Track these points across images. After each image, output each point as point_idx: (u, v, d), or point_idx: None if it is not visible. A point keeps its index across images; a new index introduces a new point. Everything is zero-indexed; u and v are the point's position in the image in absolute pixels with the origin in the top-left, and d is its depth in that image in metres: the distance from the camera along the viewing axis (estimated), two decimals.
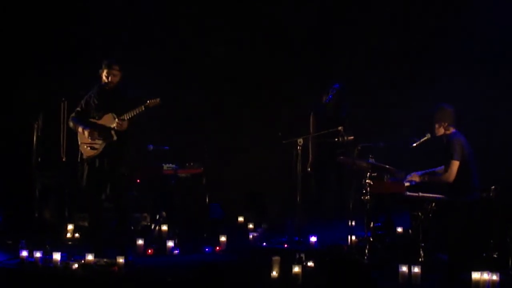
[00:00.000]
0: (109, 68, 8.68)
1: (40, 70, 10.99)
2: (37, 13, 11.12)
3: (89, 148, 8.67)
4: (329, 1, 11.02)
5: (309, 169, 9.91)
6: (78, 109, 8.83)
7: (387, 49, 10.76)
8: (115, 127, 8.54)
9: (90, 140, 8.65)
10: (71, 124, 8.81)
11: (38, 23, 11.11)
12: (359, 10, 10.93)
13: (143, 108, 8.50)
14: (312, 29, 11.18)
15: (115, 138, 8.59)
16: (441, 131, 8.60)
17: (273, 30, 11.28)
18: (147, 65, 10.99)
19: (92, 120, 8.74)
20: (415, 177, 8.58)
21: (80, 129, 8.70)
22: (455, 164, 8.38)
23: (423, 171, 8.70)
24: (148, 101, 8.51)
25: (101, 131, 8.63)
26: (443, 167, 8.59)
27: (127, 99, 8.68)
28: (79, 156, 8.78)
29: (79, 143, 8.77)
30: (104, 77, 8.70)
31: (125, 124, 8.53)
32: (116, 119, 8.53)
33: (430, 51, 10.63)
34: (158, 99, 8.53)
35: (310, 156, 9.96)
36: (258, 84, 11.35)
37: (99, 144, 8.64)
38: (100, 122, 8.69)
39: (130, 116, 8.52)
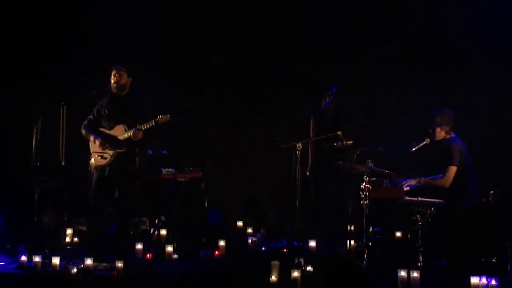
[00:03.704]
0: (116, 68, 8.77)
1: (39, 74, 10.99)
2: (37, 17, 11.13)
3: (100, 157, 8.79)
4: (329, 7, 11.02)
5: (308, 173, 9.91)
6: (91, 117, 8.93)
7: (386, 54, 10.77)
8: (131, 136, 8.60)
9: (100, 149, 8.73)
10: (83, 131, 8.90)
11: (38, 27, 11.12)
12: (359, 15, 10.93)
13: (154, 123, 8.57)
14: (311, 34, 11.19)
15: (125, 149, 8.69)
16: (442, 134, 8.65)
17: (272, 35, 11.28)
18: (147, 70, 10.99)
19: (102, 129, 8.83)
20: (412, 182, 8.60)
21: (92, 138, 8.81)
22: (453, 170, 8.43)
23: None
24: (158, 117, 8.57)
25: (112, 142, 8.72)
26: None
27: (138, 109, 8.75)
28: (90, 163, 8.92)
29: (91, 152, 8.89)
30: (111, 79, 8.77)
31: (140, 134, 8.60)
32: (132, 130, 8.58)
33: (429, 55, 10.63)
34: (168, 116, 8.60)
35: (309, 161, 9.96)
36: (257, 89, 11.35)
37: (109, 154, 8.73)
38: (111, 132, 8.77)
39: (143, 128, 8.59)
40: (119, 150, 8.68)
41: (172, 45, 11.32)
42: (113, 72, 8.77)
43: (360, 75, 10.82)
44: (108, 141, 8.73)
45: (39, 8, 11.12)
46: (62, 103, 8.91)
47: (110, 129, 8.79)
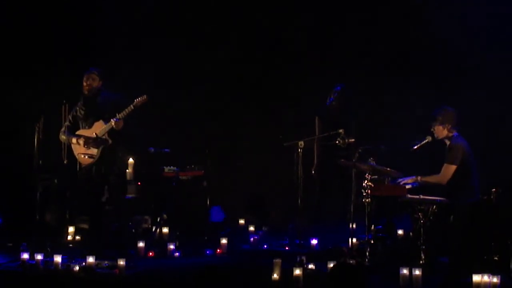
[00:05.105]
0: (88, 72, 9.02)
1: (41, 72, 11.00)
2: (38, 15, 11.14)
3: (86, 157, 8.95)
4: (332, 4, 11.01)
5: (313, 172, 9.91)
6: (67, 123, 9.11)
7: (388, 51, 10.76)
8: (113, 127, 8.76)
9: (85, 149, 8.84)
10: (63, 137, 9.06)
11: (39, 25, 11.12)
12: (362, 13, 10.92)
13: (133, 108, 8.79)
14: (314, 31, 11.18)
15: (110, 142, 8.88)
16: (444, 133, 8.61)
17: (275, 32, 11.27)
18: (148, 67, 11.00)
19: (82, 130, 9.02)
20: (409, 180, 8.59)
21: (74, 140, 8.98)
22: (450, 168, 8.41)
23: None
24: (135, 100, 8.79)
25: (95, 139, 8.89)
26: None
27: (111, 104, 8.94)
28: (78, 165, 9.04)
29: (76, 154, 9.02)
30: (84, 83, 9.00)
31: (121, 123, 8.79)
32: (112, 120, 8.75)
33: (431, 53, 10.62)
34: (145, 96, 8.83)
35: (315, 159, 9.95)
36: (260, 87, 11.34)
37: (95, 152, 8.90)
38: (91, 130, 8.96)
39: (123, 116, 8.78)
40: (105, 144, 8.84)
41: (172, 44, 11.31)
42: (86, 76, 9.01)
43: (362, 74, 10.80)
44: (92, 139, 8.87)
45: (41, 8, 11.13)
46: (64, 101, 8.98)
47: (89, 127, 8.99)
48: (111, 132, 8.86)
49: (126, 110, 8.78)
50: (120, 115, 8.78)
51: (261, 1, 11.25)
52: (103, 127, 8.87)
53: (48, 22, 11.15)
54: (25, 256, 8.33)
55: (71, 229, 9.85)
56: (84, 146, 8.92)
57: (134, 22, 11.27)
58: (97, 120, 8.94)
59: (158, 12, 11.36)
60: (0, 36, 11.06)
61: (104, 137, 8.89)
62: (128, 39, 11.29)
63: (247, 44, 11.36)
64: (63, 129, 9.05)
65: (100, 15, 11.21)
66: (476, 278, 7.31)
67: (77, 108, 9.09)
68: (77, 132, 9.03)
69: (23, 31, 11.14)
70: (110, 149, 8.92)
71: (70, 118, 9.10)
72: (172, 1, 11.45)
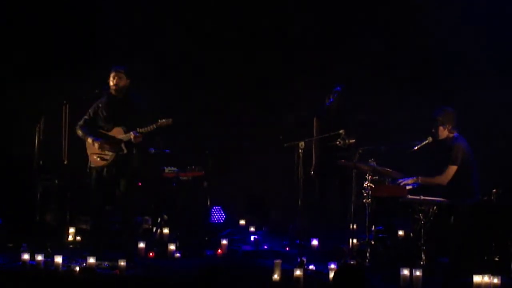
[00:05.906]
0: (115, 71, 8.79)
1: (41, 72, 10.99)
2: (39, 16, 11.13)
3: (99, 158, 8.82)
4: (332, 4, 11.01)
5: (312, 172, 9.91)
6: (86, 117, 8.94)
7: (389, 52, 10.76)
8: (132, 140, 8.64)
9: (100, 151, 8.75)
10: (80, 133, 8.90)
11: (40, 26, 11.11)
12: (362, 14, 10.92)
13: (155, 127, 8.65)
14: (314, 32, 11.18)
15: (125, 151, 8.74)
16: (445, 133, 8.63)
17: (275, 32, 11.27)
18: (148, 68, 11.00)
19: (101, 131, 8.85)
20: (409, 181, 8.59)
21: (90, 140, 8.82)
22: (452, 169, 8.42)
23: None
24: (159, 121, 8.65)
25: (112, 144, 8.76)
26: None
27: (136, 111, 8.80)
28: (88, 164, 8.92)
29: (89, 153, 8.90)
30: (110, 81, 8.79)
31: (139, 138, 8.64)
32: (132, 133, 8.62)
33: (431, 54, 10.63)
34: (170, 120, 8.69)
35: (314, 160, 9.95)
36: (260, 87, 11.34)
37: (109, 155, 8.77)
38: (110, 134, 8.81)
39: (143, 132, 8.64)
40: (119, 152, 8.72)
41: (173, 44, 11.31)
42: (112, 74, 8.79)
43: (363, 73, 10.80)
44: (108, 143, 8.76)
45: (41, 8, 11.12)
46: (65, 102, 8.93)
47: (108, 131, 8.84)
48: (128, 142, 8.72)
49: (148, 127, 8.63)
50: (141, 130, 8.62)
51: (261, 1, 11.24)
52: (122, 136, 8.72)
53: (49, 22, 11.13)
54: (26, 256, 8.31)
55: (71, 229, 9.86)
56: (98, 148, 8.77)
57: (134, 22, 11.26)
58: (118, 126, 8.77)
59: (158, 12, 11.35)
60: (0, 36, 11.05)
61: (121, 145, 8.75)
62: (128, 39, 11.28)
63: (247, 44, 11.36)
64: (81, 122, 8.91)
65: (100, 15, 11.19)
66: (477, 278, 7.33)
67: (100, 106, 8.88)
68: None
69: (23, 31, 11.13)
70: (124, 157, 8.76)
71: (91, 113, 8.91)
72: (172, 1, 11.44)
